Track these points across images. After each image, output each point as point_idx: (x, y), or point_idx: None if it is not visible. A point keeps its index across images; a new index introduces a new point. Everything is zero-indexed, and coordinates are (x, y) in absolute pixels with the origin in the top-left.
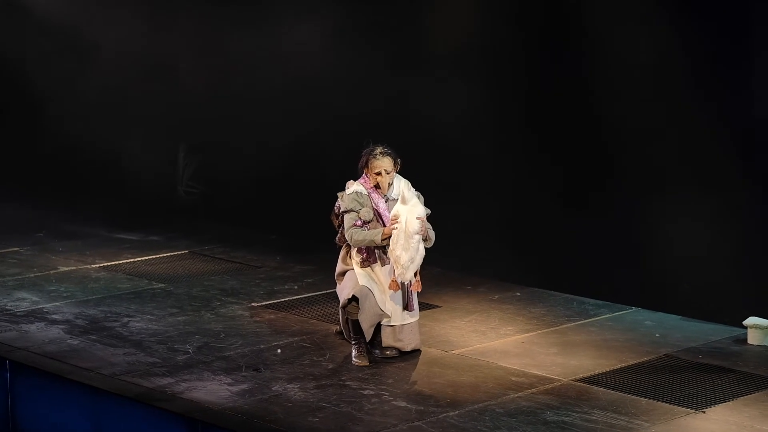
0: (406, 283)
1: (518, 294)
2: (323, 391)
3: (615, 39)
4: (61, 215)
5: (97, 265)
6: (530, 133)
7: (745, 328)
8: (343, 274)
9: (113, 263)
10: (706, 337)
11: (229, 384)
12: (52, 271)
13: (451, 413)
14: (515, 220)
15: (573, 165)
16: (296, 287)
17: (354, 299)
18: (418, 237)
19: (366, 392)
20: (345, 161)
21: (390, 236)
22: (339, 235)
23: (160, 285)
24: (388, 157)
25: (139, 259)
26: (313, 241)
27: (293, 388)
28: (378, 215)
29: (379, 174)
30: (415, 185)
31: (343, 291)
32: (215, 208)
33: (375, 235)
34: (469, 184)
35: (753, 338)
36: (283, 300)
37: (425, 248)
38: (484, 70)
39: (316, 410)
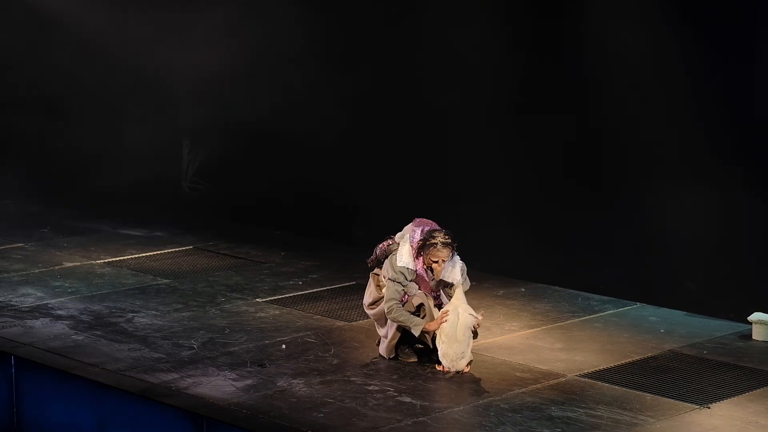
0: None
1: (523, 290)
2: (328, 387)
3: (615, 38)
4: (66, 211)
5: (102, 261)
6: (534, 131)
7: (750, 323)
8: (375, 302)
9: (118, 259)
10: (710, 332)
11: (233, 379)
12: (56, 267)
13: (456, 409)
14: (519, 216)
15: (578, 161)
16: (300, 283)
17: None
18: (470, 332)
19: (371, 388)
20: (350, 158)
21: (429, 331)
22: (372, 257)
23: (164, 281)
24: (448, 248)
25: (143, 254)
26: (317, 237)
27: (298, 383)
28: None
29: (436, 262)
30: (417, 181)
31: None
32: (218, 203)
33: (414, 325)
34: (472, 181)
35: (758, 334)
36: (287, 296)
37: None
38: (485, 66)
39: (320, 406)
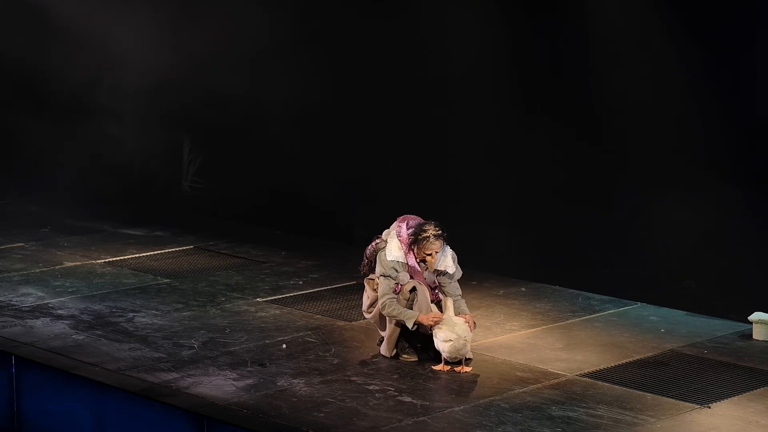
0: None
1: (523, 289)
2: (328, 386)
3: (617, 38)
4: (66, 211)
5: (103, 261)
6: (535, 130)
7: (751, 323)
8: (372, 304)
9: (118, 258)
10: (711, 332)
11: (234, 379)
12: (57, 267)
13: (456, 408)
14: (520, 216)
15: (579, 160)
16: (301, 282)
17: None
18: (467, 326)
19: (371, 387)
20: (350, 158)
21: (422, 323)
22: (364, 263)
23: (165, 280)
24: (440, 240)
25: (144, 254)
26: (318, 236)
27: (298, 383)
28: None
29: (429, 255)
30: (418, 179)
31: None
32: (219, 203)
33: (408, 318)
34: (473, 180)
35: (758, 334)
36: (288, 295)
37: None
38: (485, 65)
39: (321, 405)
